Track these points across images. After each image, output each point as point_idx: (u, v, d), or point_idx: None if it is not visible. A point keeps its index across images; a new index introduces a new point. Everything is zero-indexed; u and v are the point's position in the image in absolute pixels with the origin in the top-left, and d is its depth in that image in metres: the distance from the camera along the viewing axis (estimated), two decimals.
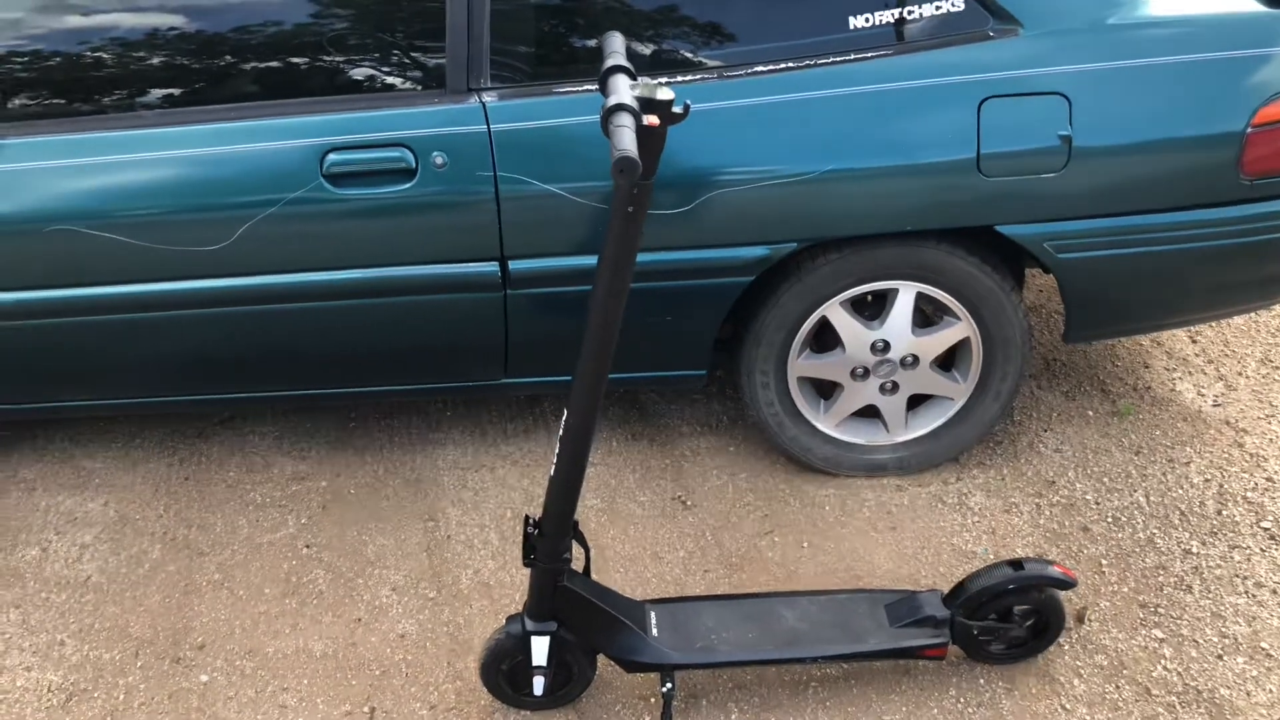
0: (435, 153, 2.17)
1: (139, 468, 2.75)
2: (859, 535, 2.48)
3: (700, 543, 2.47)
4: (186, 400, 2.57)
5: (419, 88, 2.24)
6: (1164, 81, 2.21)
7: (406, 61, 2.25)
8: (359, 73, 2.25)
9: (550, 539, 1.85)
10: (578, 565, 1.95)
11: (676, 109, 1.53)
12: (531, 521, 1.88)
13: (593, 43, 2.23)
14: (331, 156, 2.17)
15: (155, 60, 2.25)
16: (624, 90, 1.49)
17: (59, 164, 2.20)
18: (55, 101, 2.26)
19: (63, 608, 2.35)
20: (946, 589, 2.08)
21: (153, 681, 2.17)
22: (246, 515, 2.59)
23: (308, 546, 2.50)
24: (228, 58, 2.26)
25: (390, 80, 2.25)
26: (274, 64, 2.26)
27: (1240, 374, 2.95)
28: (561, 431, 1.77)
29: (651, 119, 1.48)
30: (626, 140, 1.38)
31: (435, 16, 2.19)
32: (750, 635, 2.01)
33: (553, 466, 1.80)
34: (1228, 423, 2.77)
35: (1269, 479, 2.58)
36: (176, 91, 2.26)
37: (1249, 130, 2.21)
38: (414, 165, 2.18)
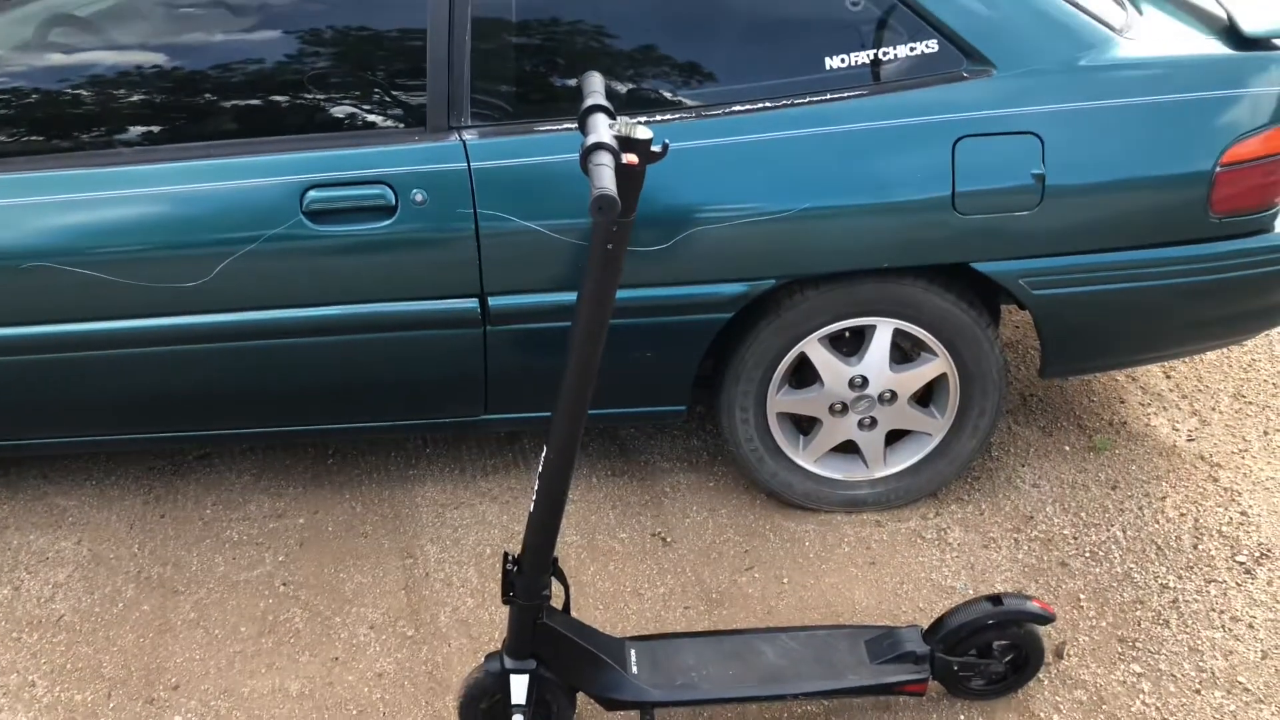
0: (415, 190, 2.18)
1: (113, 505, 2.72)
2: (838, 571, 2.48)
3: (680, 579, 2.47)
4: (163, 437, 2.55)
5: (400, 126, 2.25)
6: (1135, 122, 2.25)
7: (387, 100, 2.27)
8: (340, 111, 2.26)
9: (529, 576, 1.84)
10: (557, 603, 1.94)
11: (655, 148, 1.54)
12: (510, 558, 1.87)
13: (573, 82, 2.25)
14: (312, 193, 2.18)
15: (135, 97, 2.26)
16: (603, 129, 1.50)
17: (37, 200, 2.20)
18: (33, 138, 2.26)
19: (34, 648, 2.32)
20: (926, 624, 2.08)
21: None
22: (223, 553, 2.57)
23: (285, 584, 2.47)
24: (208, 95, 2.27)
25: (371, 118, 2.26)
26: (254, 102, 2.27)
27: (1214, 409, 2.99)
28: (541, 468, 1.77)
29: (630, 158, 1.50)
30: (605, 179, 1.39)
31: (416, 55, 2.21)
32: (731, 672, 2.01)
33: (532, 503, 1.80)
34: (1202, 457, 2.79)
35: (1243, 513, 2.60)
36: (156, 129, 2.27)
37: (1218, 169, 2.25)
38: (394, 202, 2.18)
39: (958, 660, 2.03)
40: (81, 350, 2.30)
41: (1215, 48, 2.33)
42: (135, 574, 2.51)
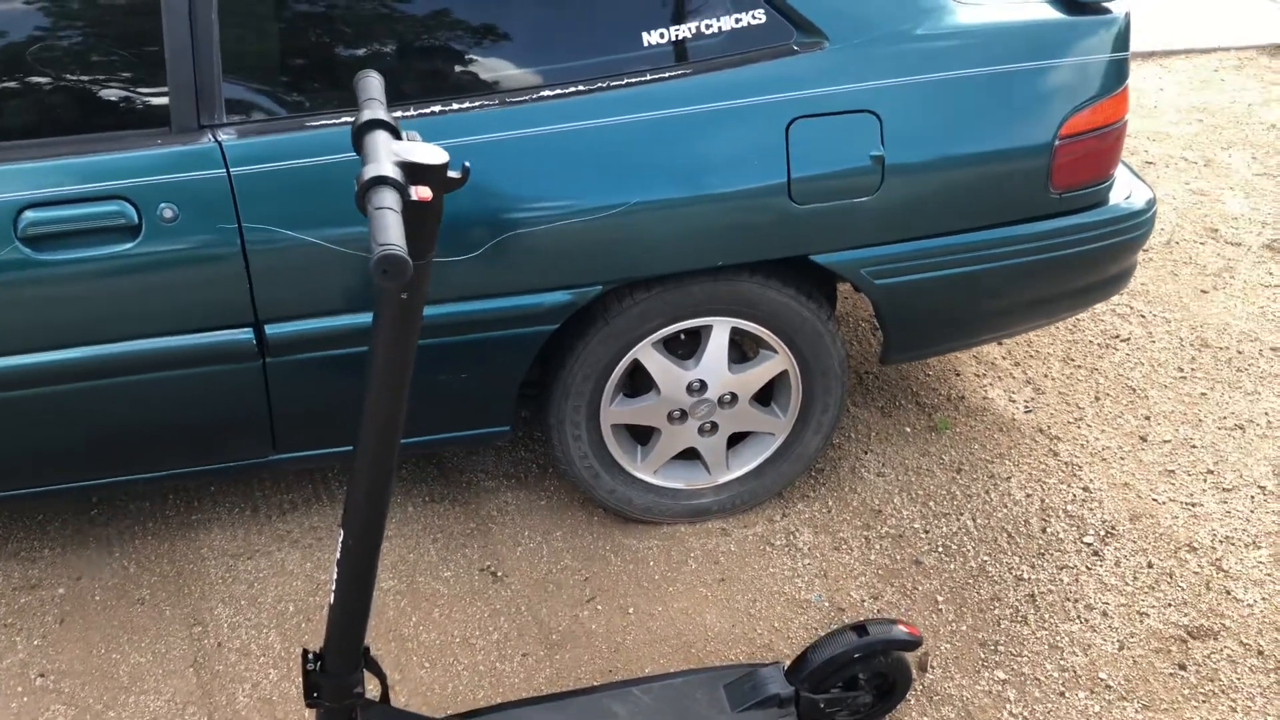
0: (162, 204, 1.80)
1: None
2: (687, 593, 2.28)
3: (516, 621, 2.21)
4: None
5: (138, 127, 1.85)
6: (974, 94, 2.09)
7: (120, 96, 1.85)
8: (60, 111, 1.84)
9: (335, 676, 1.55)
10: (375, 693, 1.65)
11: (453, 173, 1.24)
12: (311, 655, 1.56)
13: (352, 54, 1.90)
14: (28, 214, 1.77)
15: None
16: (384, 156, 1.18)
17: None
18: None
19: None
20: (784, 647, 1.92)
21: None
22: None
23: (42, 675, 2.07)
24: None
25: (101, 119, 1.84)
26: None
27: (1046, 375, 2.94)
28: (339, 554, 1.47)
29: (422, 192, 1.19)
30: (390, 230, 1.08)
31: (152, 38, 1.81)
32: None
33: (331, 594, 1.50)
34: (1040, 430, 2.73)
35: (1085, 489, 2.55)
36: None
37: (1058, 142, 2.13)
38: (137, 220, 1.80)
39: (823, 697, 1.87)
40: None
41: (1048, 13, 2.18)
42: None
